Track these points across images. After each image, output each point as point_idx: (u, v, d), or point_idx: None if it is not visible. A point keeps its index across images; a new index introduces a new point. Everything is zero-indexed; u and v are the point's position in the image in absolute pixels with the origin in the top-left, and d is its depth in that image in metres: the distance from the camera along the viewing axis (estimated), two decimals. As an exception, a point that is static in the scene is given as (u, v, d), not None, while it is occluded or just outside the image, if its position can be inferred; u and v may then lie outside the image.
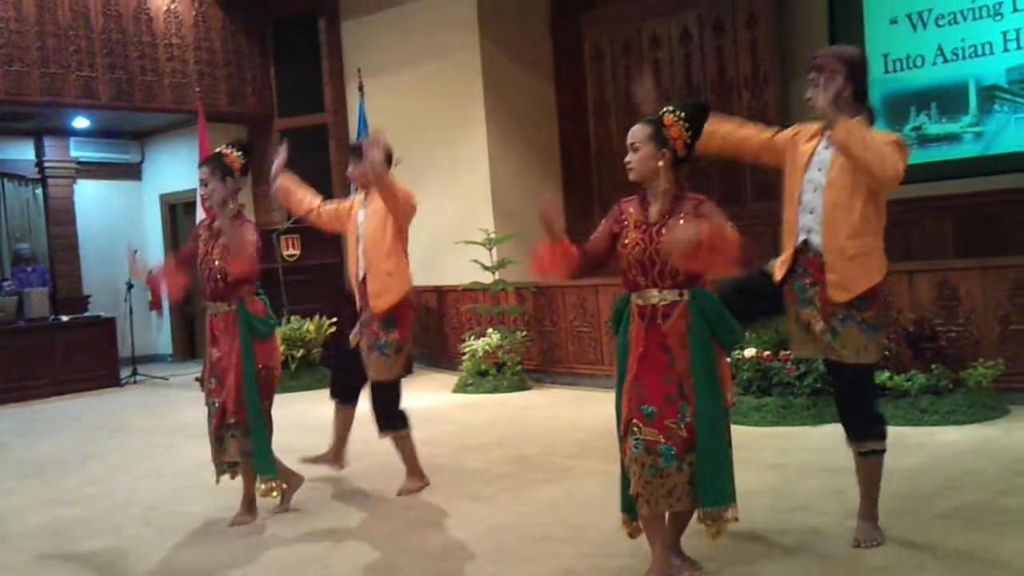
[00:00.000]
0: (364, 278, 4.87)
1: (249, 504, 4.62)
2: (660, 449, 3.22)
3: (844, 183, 3.50)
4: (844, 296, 3.54)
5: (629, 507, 3.37)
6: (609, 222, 3.46)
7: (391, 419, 4.91)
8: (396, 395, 4.94)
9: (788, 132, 3.78)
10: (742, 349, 6.24)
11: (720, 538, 3.30)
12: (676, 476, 3.22)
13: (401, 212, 4.83)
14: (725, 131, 3.83)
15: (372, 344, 4.81)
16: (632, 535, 3.43)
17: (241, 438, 4.50)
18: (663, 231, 3.27)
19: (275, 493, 4.61)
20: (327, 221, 5.21)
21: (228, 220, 4.48)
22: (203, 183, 4.57)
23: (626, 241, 3.37)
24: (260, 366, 4.54)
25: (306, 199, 5.14)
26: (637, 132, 3.36)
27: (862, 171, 3.40)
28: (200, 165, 4.68)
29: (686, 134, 3.31)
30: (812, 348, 3.70)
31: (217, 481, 4.69)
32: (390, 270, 4.82)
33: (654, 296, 3.31)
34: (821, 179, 3.58)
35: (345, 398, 5.14)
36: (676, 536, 3.43)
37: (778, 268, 3.75)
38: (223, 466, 4.65)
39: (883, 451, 3.64)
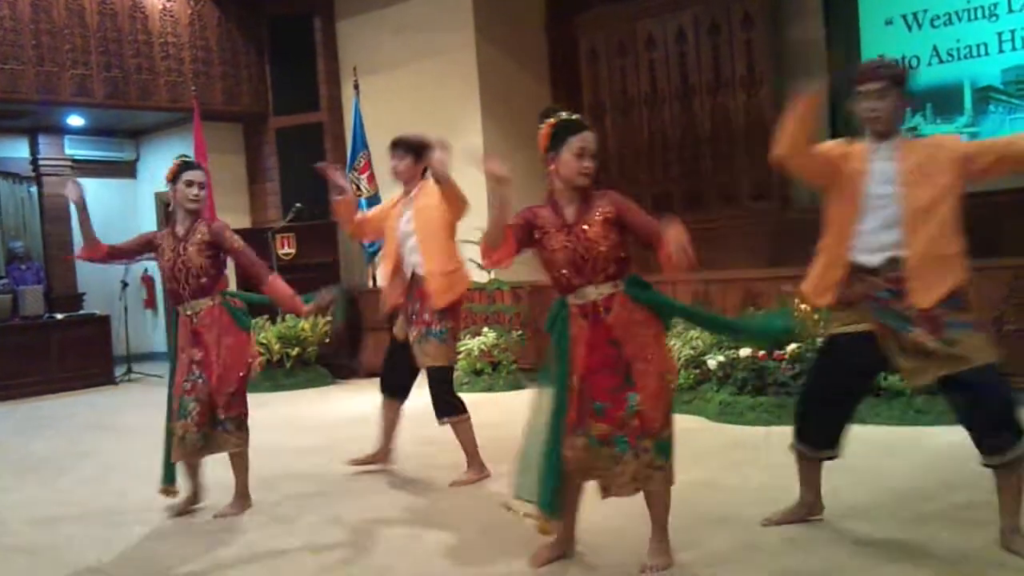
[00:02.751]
0: (415, 275, 5.00)
1: (243, 495, 4.69)
2: (614, 439, 3.33)
3: (925, 189, 3.42)
4: (927, 300, 3.39)
5: (549, 503, 3.41)
6: (526, 221, 3.61)
7: (447, 405, 5.02)
8: (450, 380, 5.09)
9: (837, 149, 3.62)
10: (737, 348, 6.25)
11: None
12: (634, 463, 3.32)
13: (460, 212, 4.93)
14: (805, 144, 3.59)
15: (426, 332, 4.94)
16: (544, 532, 3.46)
17: (235, 431, 4.55)
18: (584, 228, 3.41)
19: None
20: (371, 231, 5.54)
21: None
22: (201, 186, 4.65)
23: (553, 247, 3.48)
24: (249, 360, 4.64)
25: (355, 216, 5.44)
26: (591, 139, 3.58)
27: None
28: (199, 167, 4.72)
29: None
30: (933, 370, 3.42)
31: (167, 493, 4.67)
32: (452, 268, 4.97)
33: (592, 293, 3.42)
34: (891, 190, 3.46)
35: (394, 393, 5.24)
36: (661, 521, 3.45)
37: (817, 294, 3.63)
38: (173, 471, 4.64)
39: None
